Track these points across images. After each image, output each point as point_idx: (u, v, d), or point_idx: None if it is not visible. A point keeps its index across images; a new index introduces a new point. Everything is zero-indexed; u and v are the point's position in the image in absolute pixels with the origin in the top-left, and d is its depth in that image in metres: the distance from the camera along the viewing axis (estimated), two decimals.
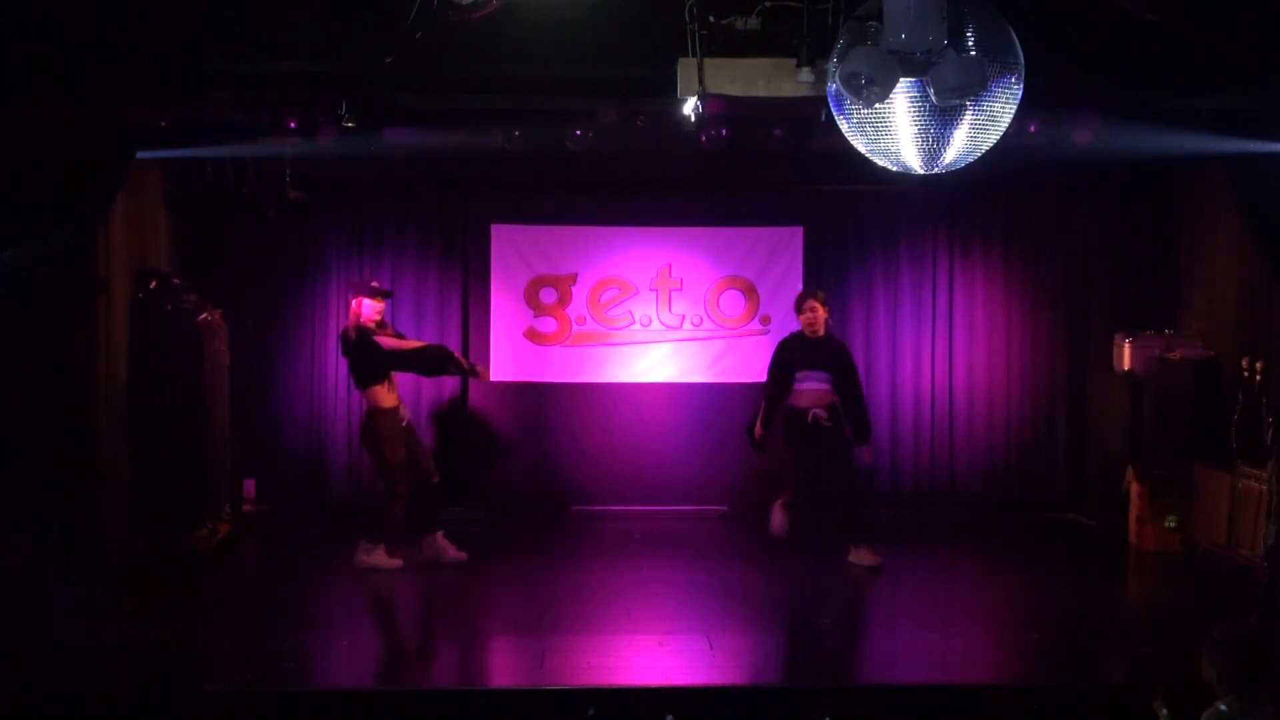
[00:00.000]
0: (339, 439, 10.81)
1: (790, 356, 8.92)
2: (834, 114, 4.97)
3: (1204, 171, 9.68)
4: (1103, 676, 6.94)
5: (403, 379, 10.77)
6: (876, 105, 4.76)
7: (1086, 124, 8.29)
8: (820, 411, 8.71)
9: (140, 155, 7.69)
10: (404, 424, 8.90)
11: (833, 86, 4.85)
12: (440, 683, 6.72)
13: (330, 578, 9.17)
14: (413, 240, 10.89)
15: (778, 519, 8.95)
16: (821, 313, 8.82)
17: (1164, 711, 5.01)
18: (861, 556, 8.69)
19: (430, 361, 9.05)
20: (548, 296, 10.86)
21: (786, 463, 9.01)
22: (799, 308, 8.94)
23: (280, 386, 10.82)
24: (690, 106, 5.75)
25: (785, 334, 10.79)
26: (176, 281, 9.39)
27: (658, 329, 10.94)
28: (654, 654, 7.23)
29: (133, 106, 6.73)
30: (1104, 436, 10.43)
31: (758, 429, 8.98)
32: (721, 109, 5.94)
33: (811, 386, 8.76)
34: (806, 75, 5.45)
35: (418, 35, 5.30)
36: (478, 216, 10.92)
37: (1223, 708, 4.47)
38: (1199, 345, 9.74)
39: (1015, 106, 4.85)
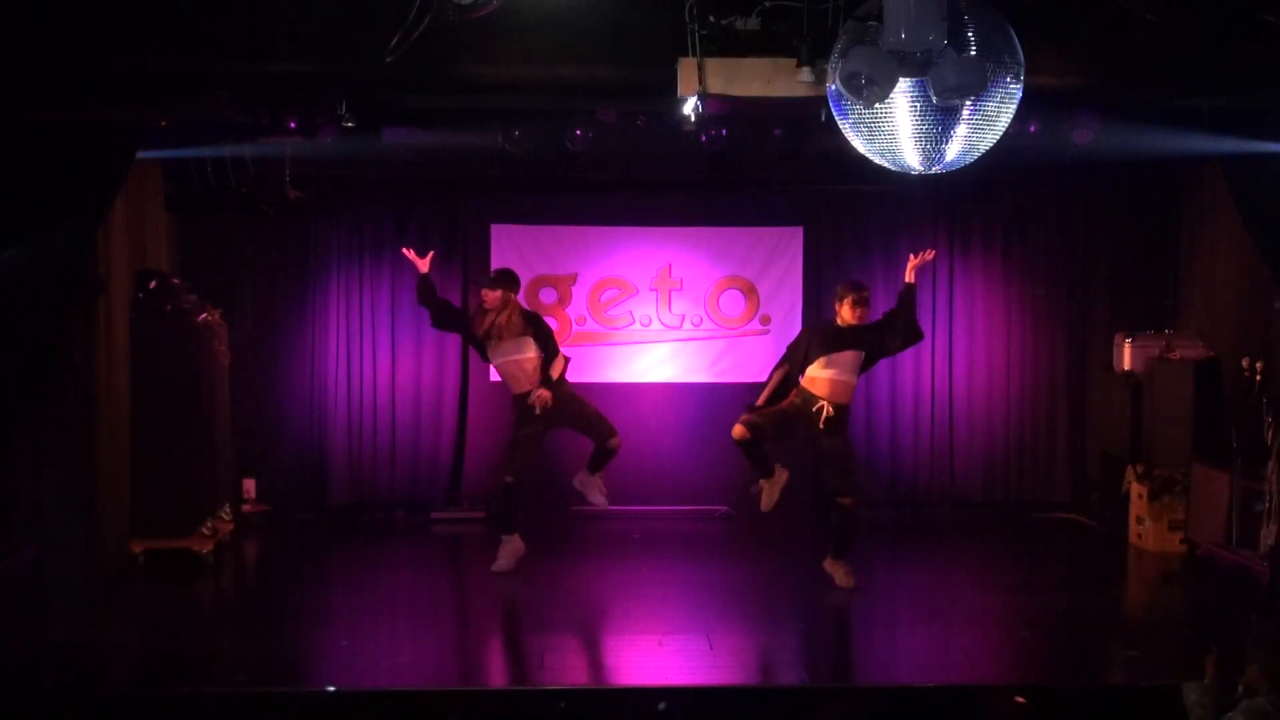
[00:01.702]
0: (339, 439, 10.80)
1: (814, 340, 8.36)
2: (834, 114, 4.97)
3: (1204, 172, 9.69)
4: (1103, 676, 6.94)
5: (403, 375, 10.83)
6: (876, 105, 4.76)
7: (1086, 124, 8.28)
8: (830, 408, 8.23)
9: (140, 155, 7.66)
10: (534, 407, 8.58)
11: (833, 86, 4.86)
12: (440, 683, 6.72)
13: (330, 578, 9.18)
14: (413, 240, 10.82)
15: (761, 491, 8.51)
16: (867, 310, 8.29)
17: (1193, 697, 5.07)
18: (835, 570, 8.37)
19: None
20: (548, 296, 10.86)
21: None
22: (856, 301, 8.23)
23: (280, 386, 10.82)
24: (690, 106, 5.75)
25: (784, 334, 10.86)
26: (176, 281, 9.39)
27: (658, 329, 10.94)
28: (654, 654, 7.23)
29: (133, 106, 6.71)
30: (1104, 436, 10.43)
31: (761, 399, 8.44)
32: (721, 109, 5.94)
33: (834, 376, 8.23)
34: (806, 75, 5.45)
35: (417, 35, 5.30)
36: (478, 216, 10.92)
37: (1264, 703, 4.54)
38: (1199, 345, 9.74)
39: (1014, 107, 4.86)
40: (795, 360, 8.43)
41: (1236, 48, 6.03)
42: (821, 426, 8.23)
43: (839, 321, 8.32)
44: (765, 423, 8.28)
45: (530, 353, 8.66)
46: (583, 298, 10.90)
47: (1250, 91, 6.58)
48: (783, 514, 9.57)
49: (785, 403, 8.36)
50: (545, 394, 8.54)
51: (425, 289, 8.75)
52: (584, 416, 8.77)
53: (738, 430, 8.24)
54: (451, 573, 9.77)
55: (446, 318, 8.91)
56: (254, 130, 7.92)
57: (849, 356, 8.28)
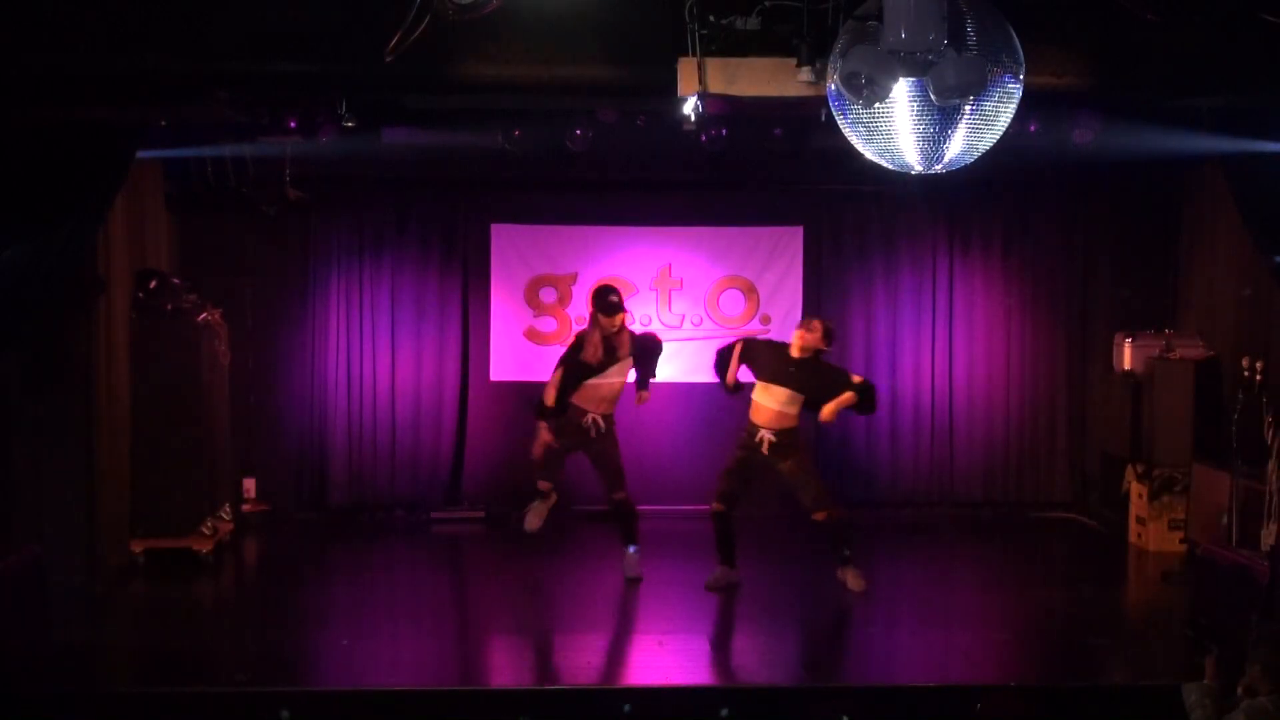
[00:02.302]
0: (339, 438, 10.80)
1: (760, 359, 8.35)
2: (834, 114, 4.97)
3: (1204, 171, 9.68)
4: (1103, 676, 6.94)
5: (403, 375, 10.84)
6: (876, 105, 4.75)
7: (1086, 124, 8.28)
8: (771, 435, 8.19)
9: (140, 155, 7.67)
10: (580, 430, 8.43)
11: (833, 86, 4.85)
12: (440, 683, 6.72)
13: (330, 578, 9.19)
14: (413, 240, 10.89)
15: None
16: (816, 337, 8.19)
17: (1193, 697, 5.08)
18: (845, 576, 8.32)
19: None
20: (548, 296, 10.86)
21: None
22: (805, 329, 8.26)
23: (280, 386, 10.82)
24: (690, 106, 5.75)
25: (785, 334, 10.84)
26: (176, 281, 9.39)
27: (658, 329, 10.90)
28: (654, 654, 7.23)
29: (133, 106, 6.71)
30: (1104, 436, 10.43)
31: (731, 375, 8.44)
32: (721, 109, 5.93)
33: (772, 406, 8.17)
34: (806, 75, 5.45)
35: (417, 35, 5.30)
36: (478, 216, 10.92)
37: (1265, 703, 4.55)
38: (1199, 345, 9.74)
39: (1014, 107, 4.85)
40: (727, 358, 8.42)
41: (1236, 48, 6.03)
42: (766, 454, 8.21)
43: (791, 351, 8.24)
44: (731, 486, 8.34)
45: (625, 376, 8.52)
46: (583, 297, 10.86)
47: (1250, 91, 6.57)
48: (782, 515, 9.59)
49: (736, 448, 8.37)
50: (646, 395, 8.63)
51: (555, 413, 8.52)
52: (607, 458, 8.56)
53: (716, 507, 8.36)
54: (451, 573, 9.77)
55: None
56: (254, 130, 7.92)
57: (785, 394, 8.19)
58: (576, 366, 8.40)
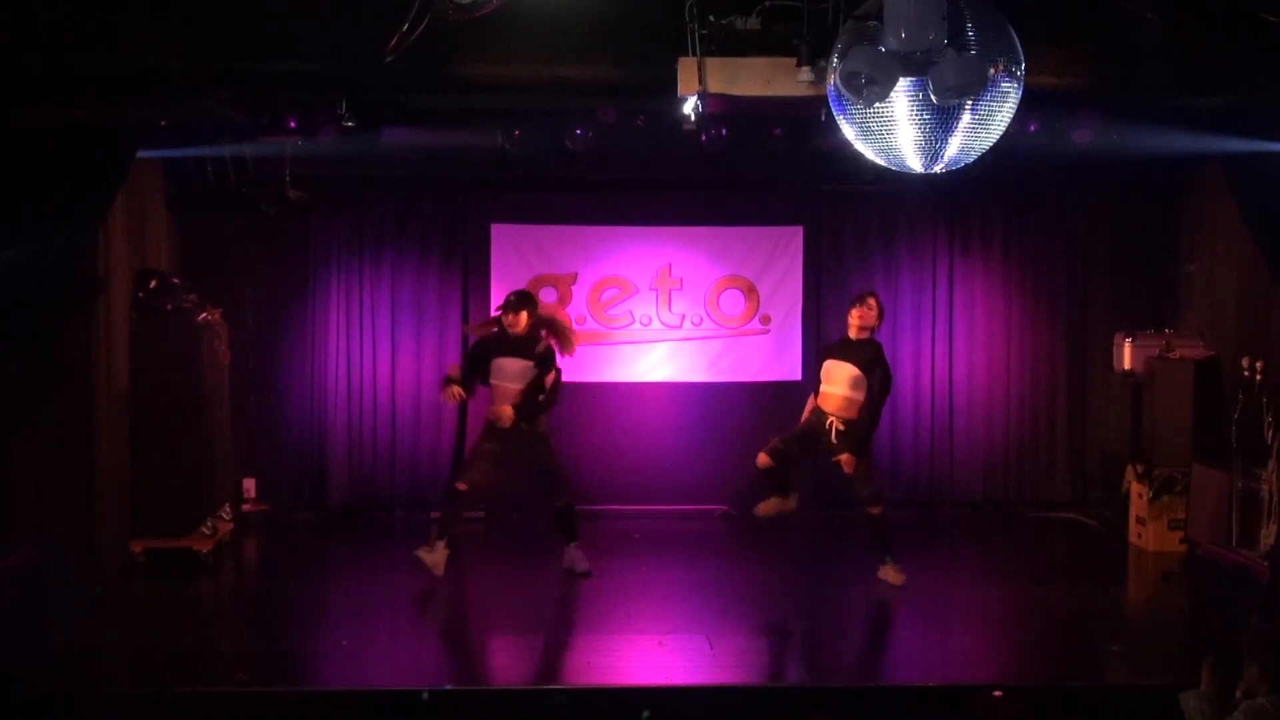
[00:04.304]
0: (339, 438, 10.80)
1: (822, 355, 8.57)
2: (834, 114, 4.97)
3: (1204, 171, 9.68)
4: (1103, 676, 6.94)
5: (403, 375, 10.84)
6: (876, 105, 4.76)
7: (1086, 124, 8.28)
8: (839, 423, 8.22)
9: (140, 155, 7.67)
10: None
11: (833, 86, 4.85)
12: (440, 683, 6.72)
13: (330, 578, 9.19)
14: (413, 240, 10.89)
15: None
16: (874, 315, 8.29)
17: (1191, 704, 5.08)
18: (887, 574, 8.37)
19: None
20: (548, 296, 10.85)
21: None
22: (855, 303, 8.37)
23: (280, 386, 10.83)
24: (690, 106, 5.75)
25: (784, 334, 10.90)
26: (176, 281, 9.40)
27: (658, 328, 10.94)
28: (654, 654, 7.23)
29: (133, 106, 6.71)
30: (1104, 436, 10.44)
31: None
32: (721, 109, 5.94)
33: (833, 391, 8.24)
34: (806, 75, 5.45)
35: (417, 34, 5.30)
36: (478, 216, 10.92)
37: (1265, 704, 4.54)
38: (1199, 345, 9.74)
39: (1013, 106, 4.85)
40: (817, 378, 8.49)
41: (1236, 48, 6.03)
42: (834, 441, 8.24)
43: (849, 333, 8.36)
44: (787, 446, 8.35)
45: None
46: (583, 297, 10.90)
47: (1250, 91, 6.57)
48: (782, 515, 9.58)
49: (804, 420, 8.42)
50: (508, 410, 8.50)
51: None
52: (546, 469, 8.66)
53: (761, 459, 8.32)
54: (452, 572, 9.75)
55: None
56: (254, 130, 7.93)
57: (845, 372, 8.25)
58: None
